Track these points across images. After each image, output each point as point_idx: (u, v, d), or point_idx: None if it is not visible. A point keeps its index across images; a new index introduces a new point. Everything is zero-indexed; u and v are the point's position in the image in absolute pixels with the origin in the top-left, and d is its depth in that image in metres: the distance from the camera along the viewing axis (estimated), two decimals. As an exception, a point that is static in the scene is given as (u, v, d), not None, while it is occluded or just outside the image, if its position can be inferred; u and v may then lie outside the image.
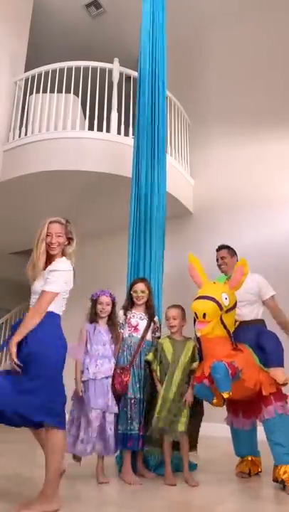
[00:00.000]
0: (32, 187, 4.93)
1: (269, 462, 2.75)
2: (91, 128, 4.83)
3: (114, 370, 2.85)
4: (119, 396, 2.80)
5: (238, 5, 5.87)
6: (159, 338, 3.05)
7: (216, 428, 3.26)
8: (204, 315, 2.54)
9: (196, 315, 2.60)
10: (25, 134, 4.88)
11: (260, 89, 5.61)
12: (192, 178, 5.83)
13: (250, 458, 2.92)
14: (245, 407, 2.86)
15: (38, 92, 5.02)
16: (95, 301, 2.89)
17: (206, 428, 2.98)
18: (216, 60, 6.10)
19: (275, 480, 2.59)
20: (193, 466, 3.09)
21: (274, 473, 2.61)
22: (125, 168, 4.51)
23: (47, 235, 2.34)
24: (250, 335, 2.85)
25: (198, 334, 2.61)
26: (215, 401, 2.56)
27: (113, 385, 2.78)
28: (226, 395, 2.44)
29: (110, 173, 4.64)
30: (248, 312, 2.94)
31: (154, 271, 3.41)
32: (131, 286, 3.12)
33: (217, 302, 2.57)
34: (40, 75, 5.04)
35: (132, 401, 2.81)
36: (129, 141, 4.73)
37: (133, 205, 3.62)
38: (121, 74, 5.05)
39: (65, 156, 4.65)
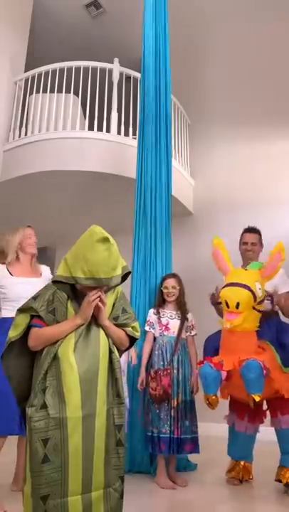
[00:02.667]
0: (32, 187, 4.93)
1: (265, 462, 2.75)
2: (91, 128, 4.83)
3: (147, 374, 2.77)
4: (161, 401, 2.68)
5: (240, 4, 5.86)
6: (194, 336, 2.96)
7: (215, 428, 3.25)
8: (238, 304, 2.28)
9: (226, 304, 2.33)
10: (25, 134, 4.87)
11: (262, 89, 5.59)
12: (192, 178, 5.82)
13: (242, 463, 2.78)
14: (251, 412, 2.71)
15: (38, 92, 5.02)
16: None
17: (205, 428, 2.97)
18: (217, 60, 6.09)
19: (279, 480, 2.54)
20: (193, 466, 3.09)
21: (278, 473, 2.56)
22: (126, 168, 4.51)
23: (29, 238, 2.57)
24: (270, 330, 2.59)
25: (228, 326, 2.33)
26: (213, 397, 2.33)
27: (150, 391, 2.69)
28: (257, 398, 2.23)
29: (110, 173, 4.63)
30: (264, 304, 2.66)
31: (160, 271, 3.40)
32: (161, 282, 3.05)
33: (252, 291, 2.31)
34: (40, 75, 5.04)
35: (167, 403, 2.71)
36: (130, 141, 4.73)
37: (137, 206, 3.64)
38: (121, 74, 5.05)
39: (65, 156, 4.64)
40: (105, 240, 1.53)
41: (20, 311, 1.63)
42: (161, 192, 3.65)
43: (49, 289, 1.63)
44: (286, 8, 5.59)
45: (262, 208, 5.16)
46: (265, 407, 2.76)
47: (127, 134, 4.92)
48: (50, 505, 1.38)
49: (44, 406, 1.45)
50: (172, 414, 2.70)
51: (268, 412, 2.75)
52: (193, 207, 5.72)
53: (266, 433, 2.77)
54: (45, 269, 2.62)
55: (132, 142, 4.57)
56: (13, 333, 1.59)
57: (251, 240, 2.85)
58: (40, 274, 2.56)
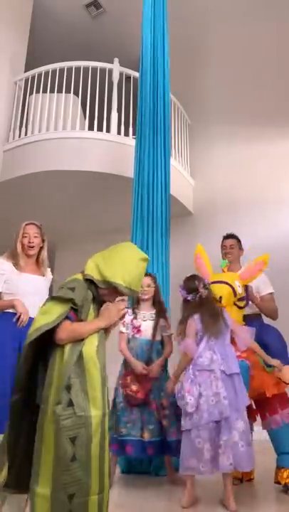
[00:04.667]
0: (32, 187, 4.93)
1: (265, 462, 2.74)
2: (91, 128, 4.83)
3: (125, 376, 2.73)
4: (136, 404, 2.64)
5: (240, 4, 5.86)
6: (170, 336, 2.85)
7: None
8: (220, 298, 2.58)
9: None
10: (25, 134, 4.88)
11: (262, 88, 5.59)
12: (192, 178, 5.82)
13: None
14: None
15: (38, 92, 5.02)
16: None
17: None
18: (217, 59, 6.09)
19: (278, 482, 2.54)
20: (193, 466, 3.08)
21: (276, 475, 2.55)
22: (125, 168, 4.50)
23: (24, 236, 2.63)
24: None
25: None
26: None
27: (129, 394, 2.64)
28: None
29: (110, 173, 4.63)
30: (247, 307, 2.82)
31: (156, 271, 3.39)
32: None
33: (232, 287, 2.62)
34: (40, 75, 5.04)
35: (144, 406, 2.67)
36: (130, 141, 4.73)
37: (135, 205, 3.64)
38: (121, 74, 5.05)
39: (65, 156, 4.64)
40: (147, 260, 1.72)
41: (59, 299, 1.57)
42: (159, 191, 3.65)
43: (82, 284, 1.63)
44: (286, 8, 5.59)
45: (262, 208, 5.16)
46: (255, 407, 2.77)
47: (127, 134, 4.92)
48: (75, 504, 1.39)
49: (70, 404, 1.45)
50: (146, 418, 2.65)
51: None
52: (193, 207, 5.72)
53: (266, 433, 2.77)
54: (48, 271, 2.71)
55: (132, 142, 4.56)
56: (46, 320, 1.51)
57: (229, 243, 3.24)
58: (43, 275, 2.65)
